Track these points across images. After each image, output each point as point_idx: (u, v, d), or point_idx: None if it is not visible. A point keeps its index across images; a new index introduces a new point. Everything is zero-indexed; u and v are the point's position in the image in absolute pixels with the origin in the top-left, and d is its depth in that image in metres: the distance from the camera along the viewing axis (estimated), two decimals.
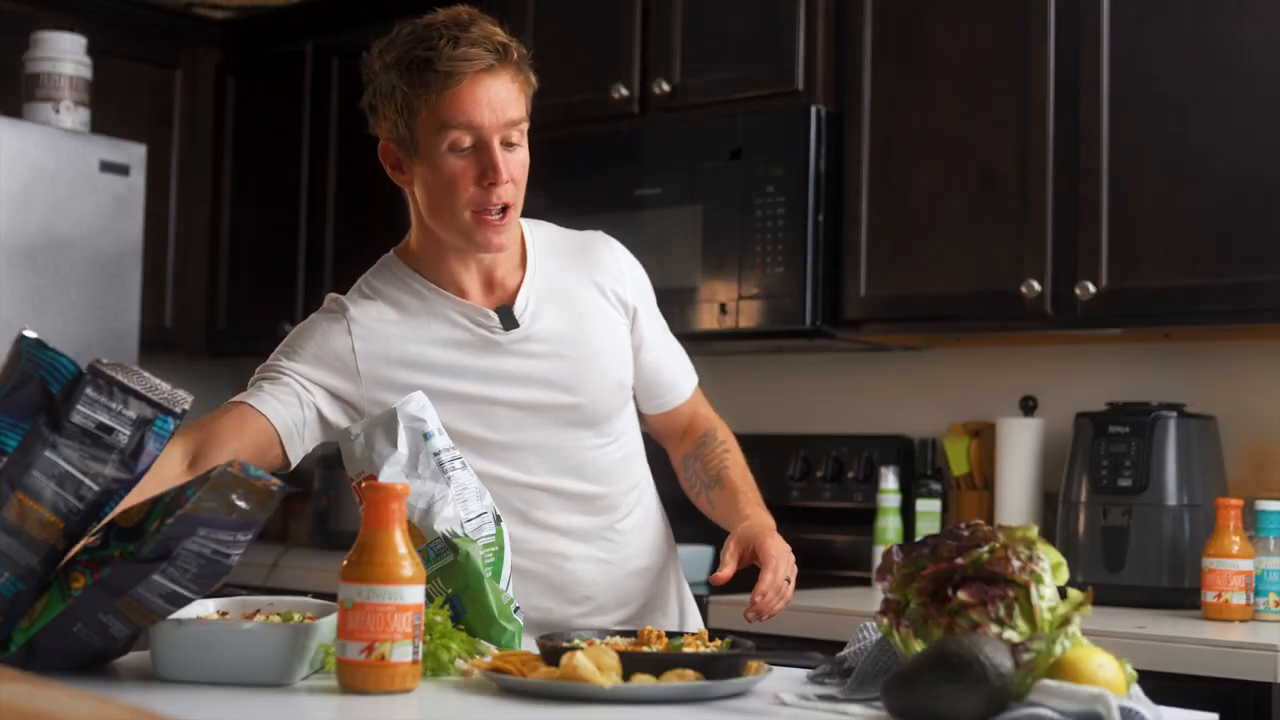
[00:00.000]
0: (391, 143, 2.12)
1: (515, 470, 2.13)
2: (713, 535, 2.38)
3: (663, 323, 2.31)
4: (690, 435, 2.33)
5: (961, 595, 1.50)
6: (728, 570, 2.01)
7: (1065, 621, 1.48)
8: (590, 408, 2.15)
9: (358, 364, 2.12)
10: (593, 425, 2.17)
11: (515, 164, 2.07)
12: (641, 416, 2.32)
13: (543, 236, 2.23)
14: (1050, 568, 1.52)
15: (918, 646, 1.51)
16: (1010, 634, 1.47)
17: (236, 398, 2.13)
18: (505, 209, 2.07)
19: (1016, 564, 1.51)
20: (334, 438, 2.06)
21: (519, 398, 2.12)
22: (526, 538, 2.13)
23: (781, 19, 3.44)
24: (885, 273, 3.35)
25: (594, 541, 2.17)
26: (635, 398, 2.28)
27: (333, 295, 2.22)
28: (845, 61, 3.42)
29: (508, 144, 2.06)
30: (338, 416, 2.11)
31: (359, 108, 2.17)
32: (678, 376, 2.31)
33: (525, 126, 2.09)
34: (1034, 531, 1.54)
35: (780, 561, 2.04)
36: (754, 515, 2.17)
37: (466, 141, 2.04)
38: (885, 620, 1.57)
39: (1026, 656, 1.44)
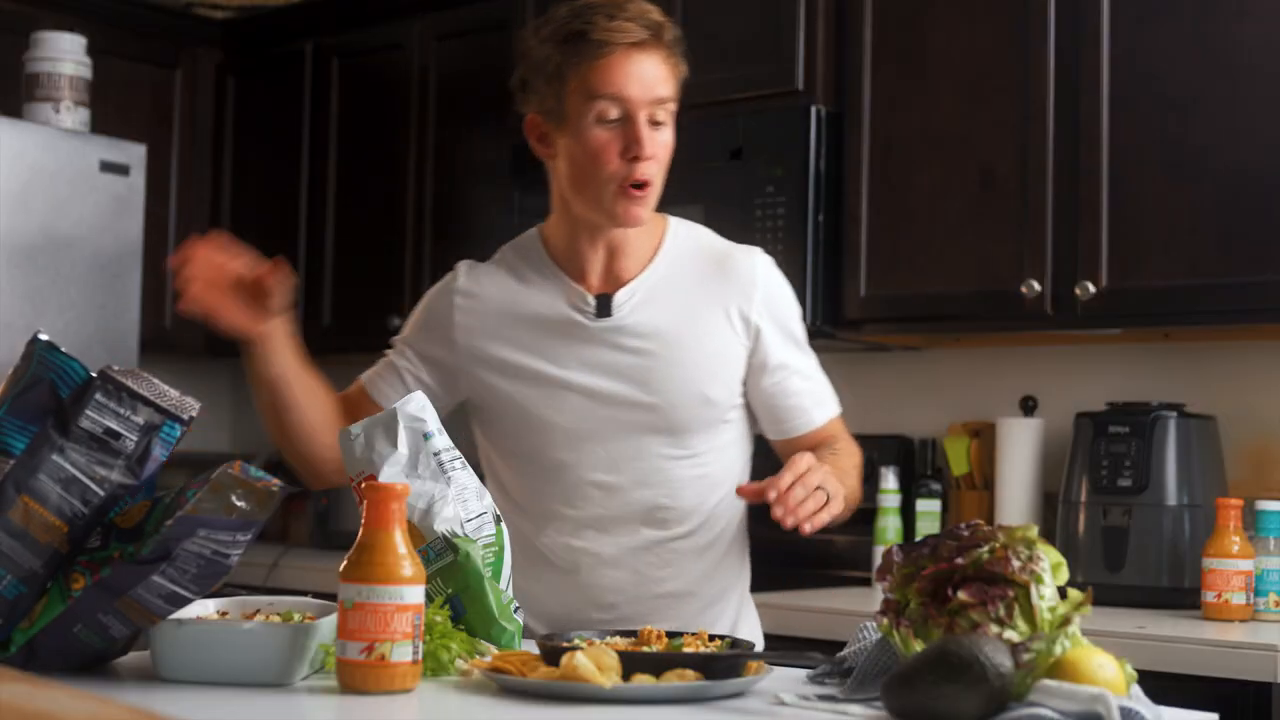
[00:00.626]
0: (539, 115, 2.12)
1: (575, 459, 2.11)
2: None
3: (801, 349, 2.21)
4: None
5: (961, 595, 1.50)
6: (751, 484, 1.91)
7: (1065, 621, 1.48)
8: (666, 412, 2.10)
9: (454, 333, 2.16)
10: (668, 433, 2.11)
11: (659, 143, 2.07)
12: (774, 449, 2.23)
13: (687, 237, 2.20)
14: (1050, 568, 1.52)
15: (918, 646, 1.51)
16: (1010, 634, 1.47)
17: (362, 376, 2.25)
18: (644, 185, 2.06)
19: (1016, 564, 1.51)
20: (443, 409, 2.13)
21: (594, 386, 2.10)
22: (568, 531, 2.12)
23: (781, 19, 3.44)
24: (885, 273, 3.35)
25: (637, 552, 2.12)
26: (759, 423, 2.20)
27: (462, 261, 2.25)
28: (845, 61, 3.42)
29: (654, 122, 2.06)
30: (440, 386, 2.17)
31: (510, 85, 2.16)
32: (805, 403, 2.19)
33: (673, 108, 2.08)
34: (1034, 531, 1.54)
35: (800, 463, 1.89)
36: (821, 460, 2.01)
37: (613, 113, 2.05)
38: (885, 620, 1.57)
39: (1026, 656, 1.44)
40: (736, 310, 2.14)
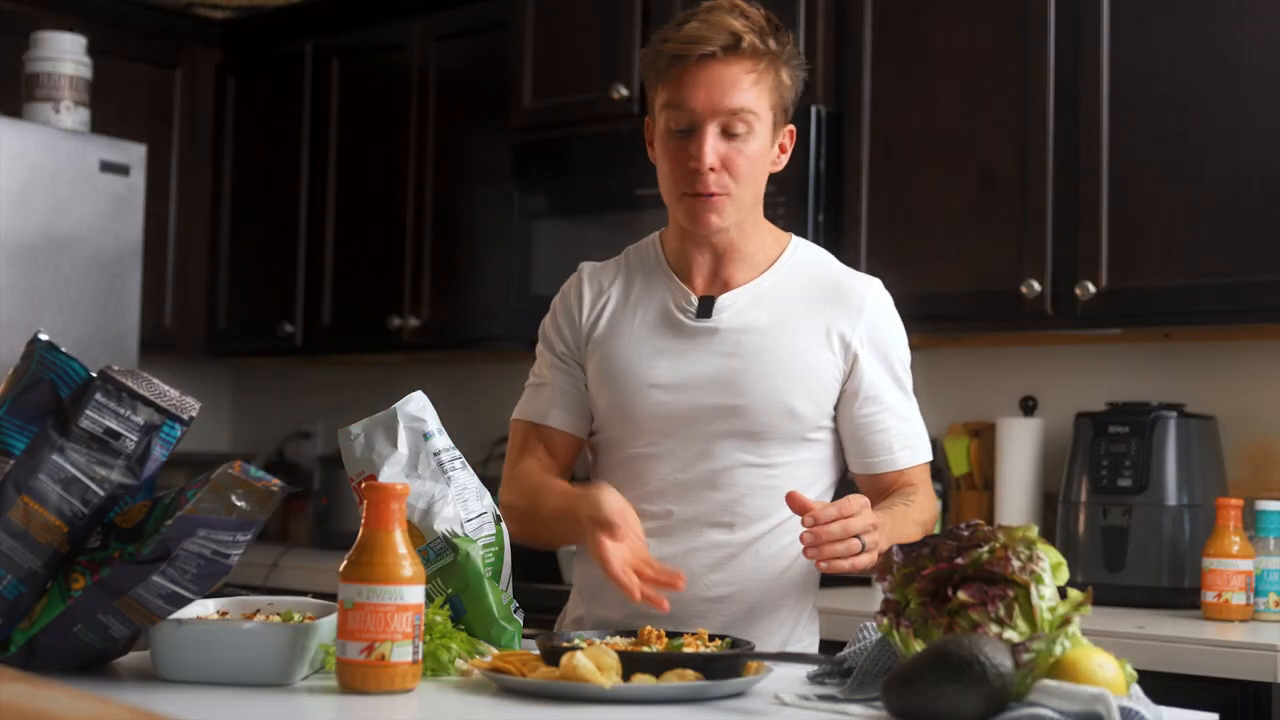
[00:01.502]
0: (649, 118, 2.17)
1: (655, 458, 2.11)
2: None
3: (899, 388, 2.18)
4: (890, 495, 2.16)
5: (961, 595, 1.51)
6: (802, 497, 1.89)
7: (1065, 621, 1.48)
8: (748, 416, 2.09)
9: (582, 328, 2.19)
10: (750, 438, 2.10)
11: (734, 153, 2.07)
12: (854, 478, 2.20)
13: (806, 259, 2.20)
14: (1050, 568, 1.52)
15: (918, 646, 1.51)
16: (1010, 634, 1.47)
17: (523, 416, 2.22)
18: (711, 195, 2.07)
19: (1016, 564, 1.51)
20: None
21: (681, 383, 2.11)
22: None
23: (781, 19, 3.43)
24: (885, 273, 3.32)
25: (696, 553, 2.10)
26: (845, 452, 2.17)
27: (584, 262, 2.27)
28: (845, 61, 3.42)
29: (729, 133, 2.07)
30: (588, 376, 2.19)
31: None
32: (893, 443, 2.15)
33: (755, 120, 2.07)
34: (1034, 531, 1.54)
35: (851, 504, 1.88)
36: (877, 509, 2.00)
37: (683, 123, 2.07)
38: (885, 620, 1.57)
39: (1026, 656, 1.44)
40: (838, 333, 2.13)
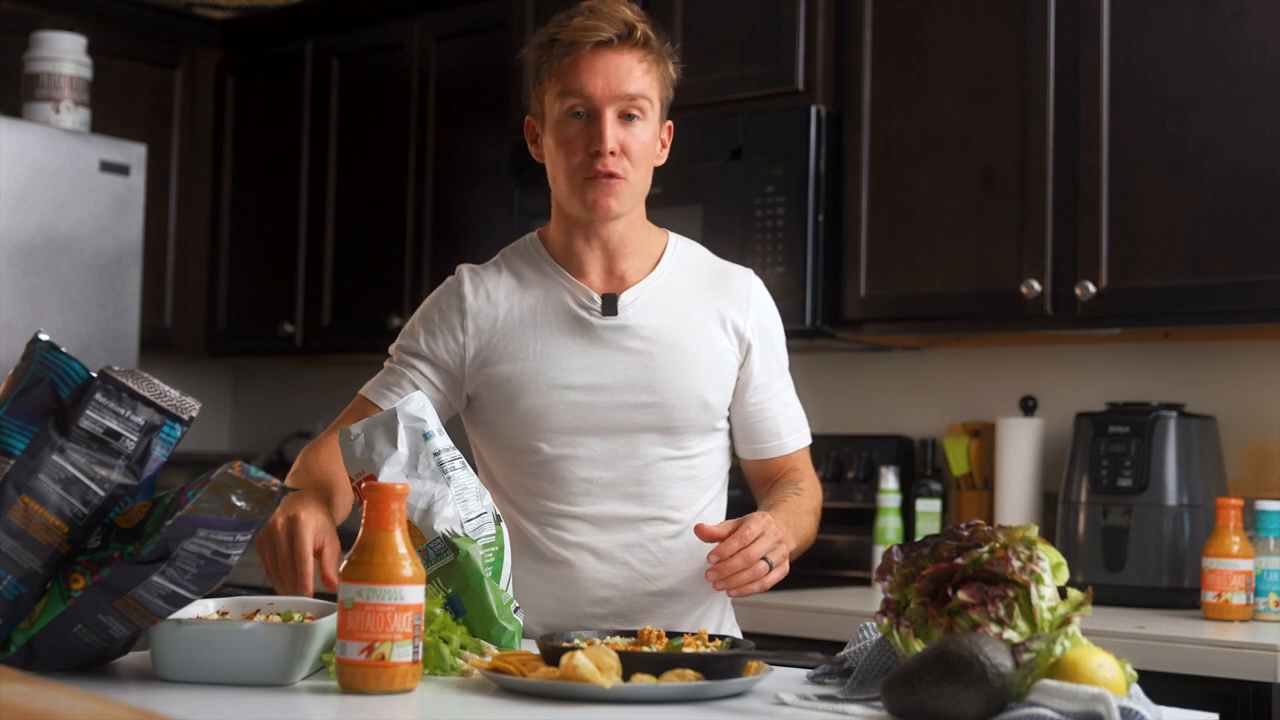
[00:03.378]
0: (531, 117, 2.20)
1: (572, 455, 2.13)
2: None
3: (783, 375, 2.27)
4: (777, 482, 2.24)
5: (961, 595, 1.51)
6: (709, 528, 1.95)
7: (1065, 621, 1.48)
8: (666, 411, 2.14)
9: (461, 334, 2.18)
10: (666, 432, 2.14)
11: (630, 138, 2.10)
12: (740, 463, 2.28)
13: (687, 253, 2.25)
14: (1050, 568, 1.52)
15: (918, 646, 1.51)
16: (1010, 634, 1.47)
17: (362, 389, 2.25)
18: (611, 176, 2.10)
19: (1016, 564, 1.51)
20: (451, 413, 2.20)
21: (594, 383, 2.13)
22: (563, 527, 2.13)
23: (781, 19, 3.44)
24: (885, 273, 3.35)
25: (631, 549, 2.14)
26: (732, 438, 2.24)
27: (462, 265, 2.27)
28: (845, 61, 3.42)
29: (625, 117, 2.10)
30: (449, 390, 2.19)
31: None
32: (781, 428, 2.24)
33: (648, 105, 2.11)
34: (1034, 531, 1.54)
35: (751, 528, 1.93)
36: (772, 507, 2.10)
37: (580, 109, 2.10)
38: (885, 620, 1.57)
39: (1026, 656, 1.44)
40: (731, 323, 2.19)
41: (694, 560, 2.15)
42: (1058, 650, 1.45)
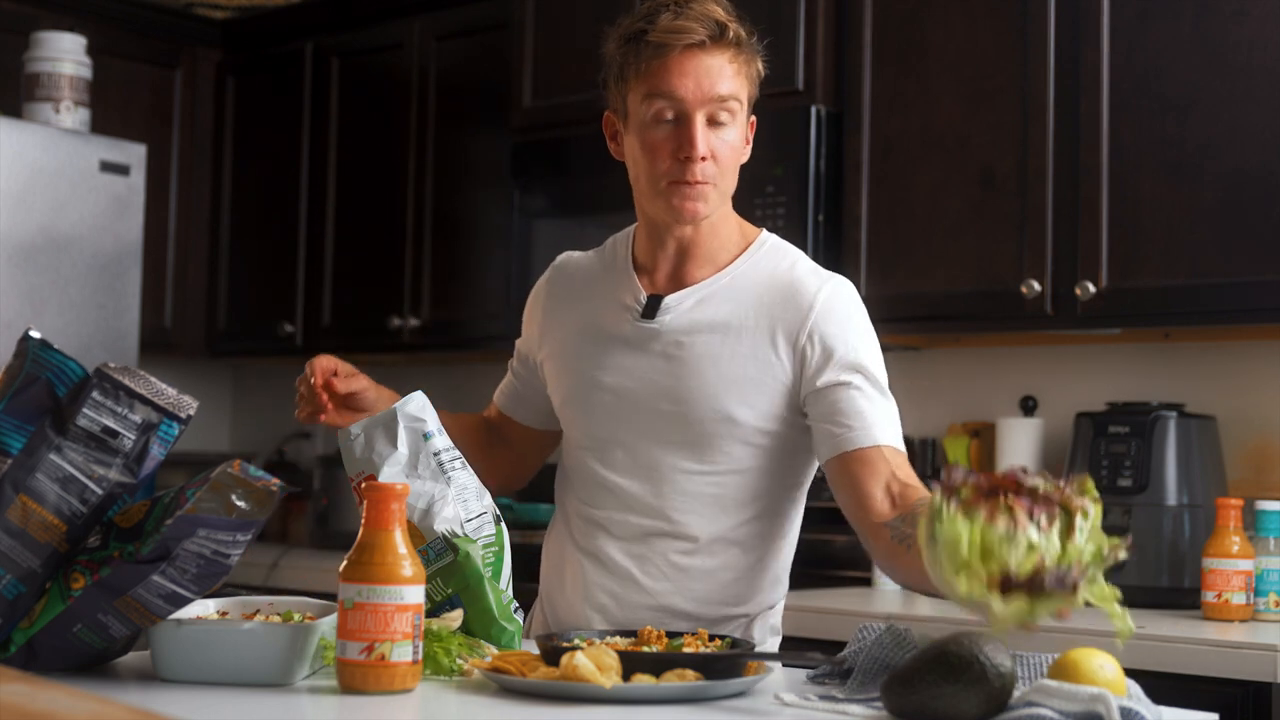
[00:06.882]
0: (612, 113, 2.14)
1: (600, 460, 2.09)
2: None
3: (867, 378, 2.01)
4: (896, 507, 1.93)
5: (1012, 497, 1.46)
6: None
7: (1096, 557, 1.43)
8: (686, 422, 2.03)
9: (536, 325, 2.22)
10: (688, 444, 2.04)
11: (719, 142, 2.03)
12: (835, 496, 2.02)
13: (767, 260, 2.11)
14: (1097, 519, 1.47)
15: (961, 527, 1.45)
16: (1039, 539, 1.41)
17: (496, 393, 2.35)
18: (701, 183, 2.03)
19: (1072, 495, 1.46)
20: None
21: (622, 387, 2.08)
22: (578, 528, 2.11)
23: (781, 19, 3.44)
24: (885, 273, 3.35)
25: (640, 560, 2.06)
26: (816, 451, 2.02)
27: (565, 253, 2.29)
28: (845, 61, 3.42)
29: (714, 121, 2.03)
30: (545, 378, 2.21)
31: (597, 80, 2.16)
32: (853, 421, 1.97)
33: (739, 108, 2.05)
34: (1094, 489, 1.50)
35: None
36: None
37: (669, 113, 2.03)
38: (938, 494, 1.49)
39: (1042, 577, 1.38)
40: (784, 338, 2.04)
41: (709, 582, 2.06)
42: (1087, 555, 1.41)
